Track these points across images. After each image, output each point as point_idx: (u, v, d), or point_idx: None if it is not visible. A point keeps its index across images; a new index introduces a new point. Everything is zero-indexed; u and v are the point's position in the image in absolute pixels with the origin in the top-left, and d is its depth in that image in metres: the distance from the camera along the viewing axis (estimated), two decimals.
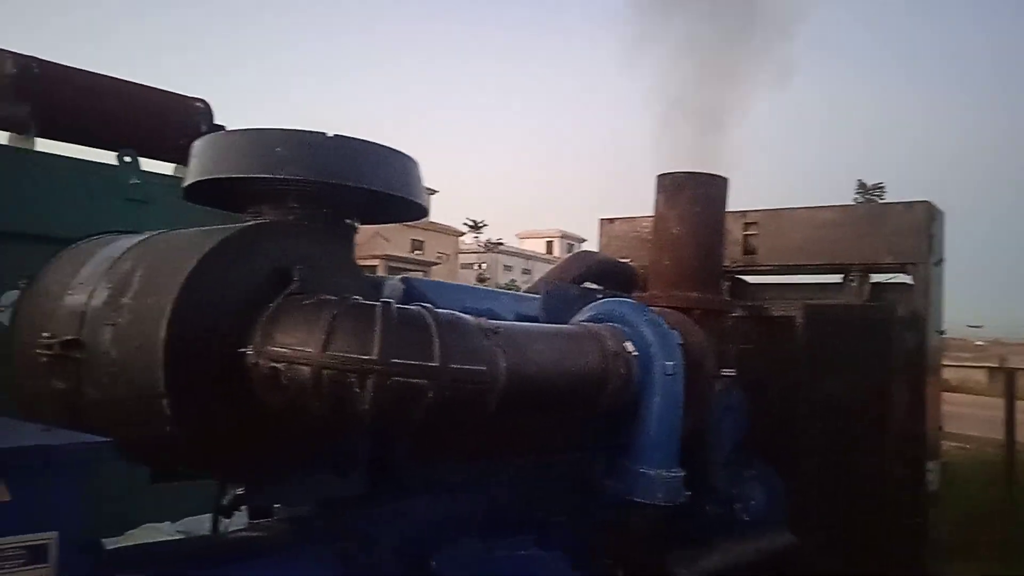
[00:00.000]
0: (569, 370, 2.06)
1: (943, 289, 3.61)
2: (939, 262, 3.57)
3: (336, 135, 1.85)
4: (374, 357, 1.60)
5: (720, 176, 2.85)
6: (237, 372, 1.67)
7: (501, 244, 54.80)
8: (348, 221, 2.05)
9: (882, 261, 3.54)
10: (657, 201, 2.86)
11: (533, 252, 65.39)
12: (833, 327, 3.21)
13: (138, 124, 4.93)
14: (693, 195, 2.77)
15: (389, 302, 1.70)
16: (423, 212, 2.09)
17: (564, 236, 66.21)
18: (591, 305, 2.43)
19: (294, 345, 1.62)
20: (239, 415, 1.69)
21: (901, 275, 3.59)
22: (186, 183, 1.95)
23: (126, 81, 5.08)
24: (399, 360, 1.61)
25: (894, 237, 3.49)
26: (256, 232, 1.78)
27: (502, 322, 1.97)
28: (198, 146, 1.92)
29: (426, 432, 2.10)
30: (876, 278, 3.69)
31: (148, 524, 3.59)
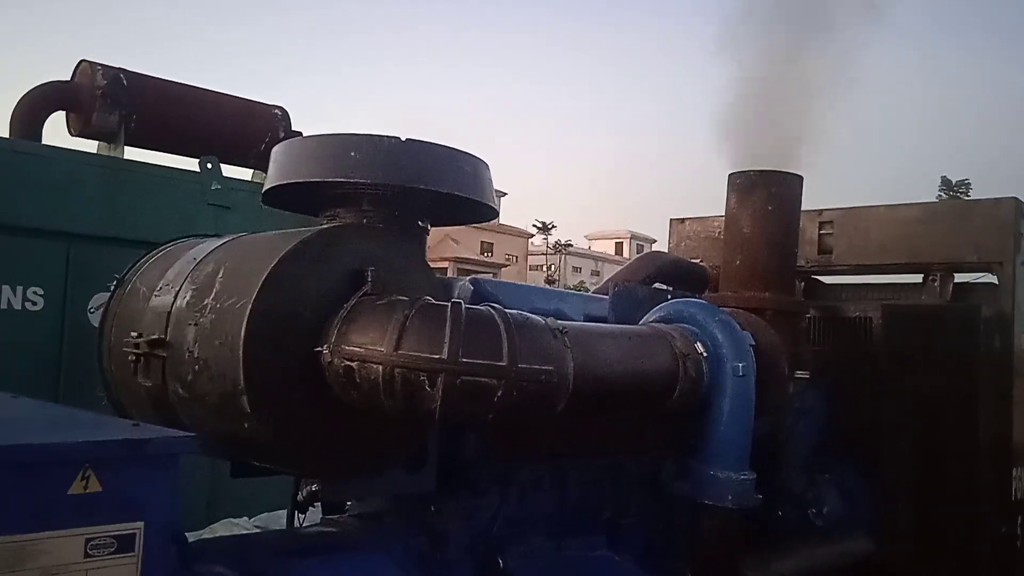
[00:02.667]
0: (637, 370, 2.05)
1: None
2: None
3: (408, 139, 1.89)
4: (444, 356, 1.62)
5: (794, 174, 2.79)
6: (313, 370, 1.72)
7: (570, 245, 54.79)
8: (420, 223, 2.08)
9: (966, 260, 3.41)
10: (729, 200, 2.82)
11: (602, 253, 65.13)
12: (914, 327, 3.11)
13: (219, 132, 5.12)
14: (766, 194, 2.72)
15: (459, 303, 1.72)
16: (493, 214, 2.11)
17: (634, 237, 65.73)
18: (660, 305, 2.41)
19: (367, 344, 1.66)
20: (315, 412, 1.74)
21: (986, 274, 3.45)
22: (265, 188, 2.02)
23: (207, 90, 5.28)
24: (468, 359, 1.64)
25: (979, 235, 3.36)
26: (331, 235, 1.83)
27: (570, 322, 1.98)
28: (276, 152, 1.99)
29: (497, 430, 2.13)
30: (960, 278, 3.56)
31: (227, 519, 3.73)
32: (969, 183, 40.40)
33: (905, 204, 3.62)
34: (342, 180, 1.83)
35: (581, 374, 1.84)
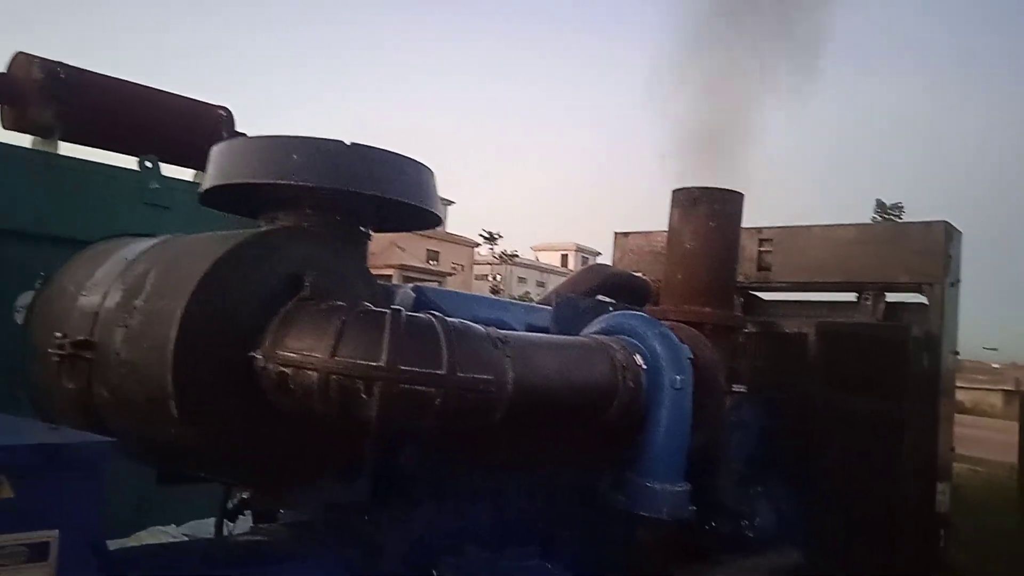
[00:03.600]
0: (577, 381, 2.05)
1: (958, 310, 3.58)
2: (955, 283, 3.54)
3: (352, 143, 1.86)
4: (382, 364, 1.60)
5: (735, 192, 2.84)
6: (247, 376, 1.68)
7: (516, 256, 54.91)
8: (362, 228, 2.06)
9: (898, 280, 3.52)
10: (672, 215, 2.86)
11: (548, 265, 65.44)
12: (847, 345, 3.19)
13: (160, 130, 4.98)
14: (708, 210, 2.77)
15: (399, 309, 1.70)
16: (437, 221, 2.10)
17: (579, 250, 66.22)
18: (602, 317, 2.42)
19: (303, 350, 1.63)
20: (247, 419, 1.70)
21: (917, 295, 3.56)
22: (203, 188, 1.97)
23: (149, 87, 5.14)
24: (407, 367, 1.62)
25: (911, 257, 3.47)
26: (269, 238, 1.80)
27: (511, 332, 1.97)
28: (215, 152, 1.94)
29: (433, 440, 2.11)
30: (892, 298, 3.67)
31: (155, 527, 3.62)
32: (902, 206, 41.84)
33: (841, 225, 3.72)
34: (282, 183, 1.79)
35: (521, 384, 1.83)
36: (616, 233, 4.39)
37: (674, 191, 2.86)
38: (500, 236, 60.50)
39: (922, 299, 3.51)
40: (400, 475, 2.12)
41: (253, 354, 1.67)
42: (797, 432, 3.19)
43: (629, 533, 2.28)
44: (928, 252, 3.42)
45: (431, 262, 53.30)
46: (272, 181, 1.80)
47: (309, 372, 1.62)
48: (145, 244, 1.90)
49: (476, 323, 2.15)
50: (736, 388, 3.02)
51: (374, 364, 1.60)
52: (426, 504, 2.19)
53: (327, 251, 1.86)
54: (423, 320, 1.70)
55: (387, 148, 1.90)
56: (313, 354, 1.62)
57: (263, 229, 1.88)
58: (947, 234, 3.46)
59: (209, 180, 1.92)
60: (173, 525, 3.62)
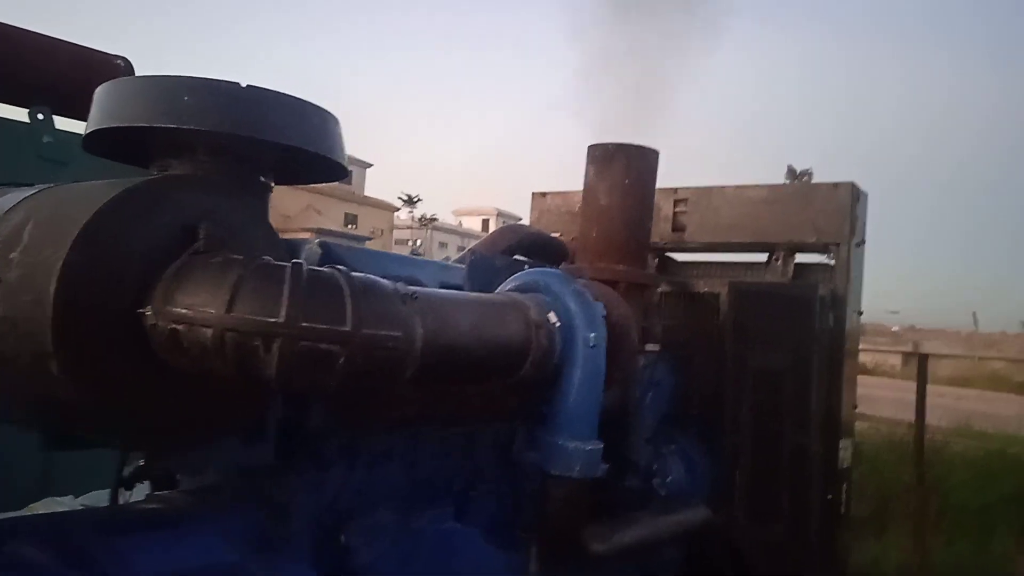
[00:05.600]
0: (490, 339, 2.01)
1: (863, 271, 3.67)
2: (860, 244, 3.63)
3: (249, 85, 1.75)
4: (281, 320, 1.52)
5: (651, 148, 2.82)
6: (137, 333, 1.58)
7: (435, 220, 54.61)
8: (263, 178, 1.95)
9: (806, 241, 3.59)
10: (587, 172, 2.83)
11: (469, 230, 65.26)
12: (757, 304, 3.24)
13: (52, 80, 4.67)
14: (623, 166, 2.75)
15: (300, 263, 1.62)
16: (343, 172, 2.00)
17: (500, 214, 66.22)
18: (516, 275, 2.38)
19: (196, 306, 1.54)
20: (137, 378, 1.59)
21: (824, 255, 3.64)
22: (86, 131, 1.83)
23: (39, 34, 4.81)
24: (308, 324, 1.54)
25: (818, 217, 3.53)
26: (159, 186, 1.68)
27: (421, 288, 1.91)
28: (99, 92, 1.80)
29: (343, 399, 2.04)
30: (801, 258, 3.74)
31: (50, 498, 3.45)
32: (811, 172, 43.29)
33: (753, 185, 3.76)
34: (172, 126, 1.67)
35: (431, 341, 1.78)
36: (533, 193, 4.35)
37: (589, 147, 2.82)
38: (419, 199, 59.97)
39: (829, 260, 3.59)
40: (308, 436, 2.05)
41: (143, 310, 1.57)
42: (709, 389, 3.23)
43: (542, 492, 2.26)
44: (834, 213, 3.49)
45: (350, 226, 52.51)
46: (160, 124, 1.68)
47: (203, 329, 1.53)
48: (22, 194, 1.75)
49: (387, 278, 2.09)
50: (650, 347, 3.04)
51: (272, 320, 1.52)
52: (336, 466, 2.13)
53: (224, 201, 1.75)
54: (326, 274, 1.63)
55: (288, 92, 1.80)
56: (207, 310, 1.53)
57: (152, 177, 1.76)
58: (853, 195, 3.53)
59: (92, 123, 1.78)
60: (71, 496, 3.47)
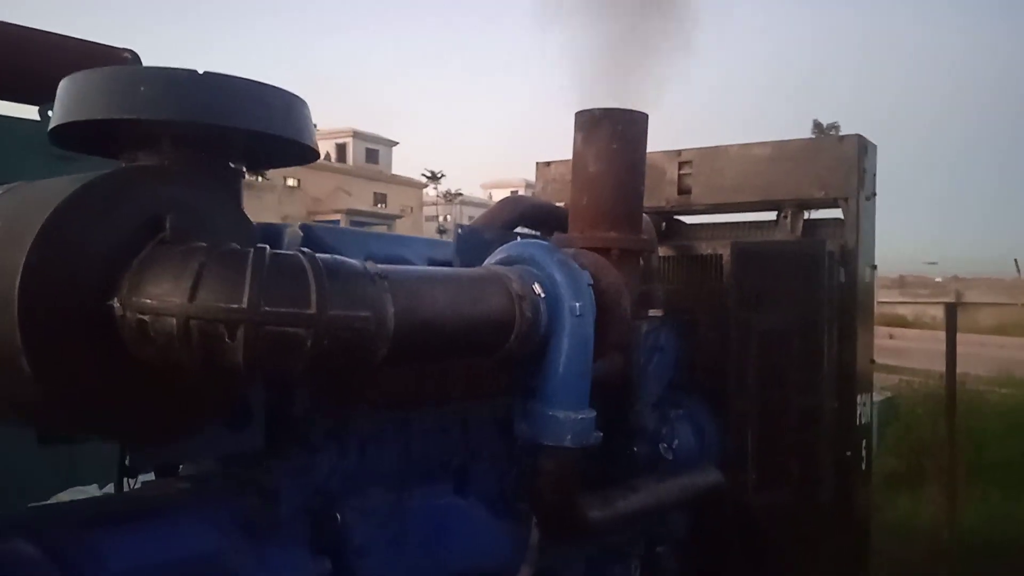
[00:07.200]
0: (470, 314, 1.99)
1: (875, 224, 3.58)
2: (871, 197, 3.53)
3: (207, 72, 1.74)
4: (244, 306, 1.51)
5: (639, 112, 2.76)
6: (106, 326, 1.58)
7: (460, 195, 54.46)
8: (232, 165, 1.94)
9: (814, 196, 3.50)
10: (575, 139, 2.77)
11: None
12: (760, 263, 3.17)
13: (62, 77, 4.72)
14: (611, 132, 2.68)
15: (263, 248, 1.61)
16: (314, 155, 1.98)
17: (529, 185, 65.85)
18: (502, 248, 2.35)
19: (161, 295, 1.54)
20: (109, 371, 1.60)
21: (834, 210, 3.56)
22: (50, 127, 1.83)
23: (47, 32, 4.84)
24: (271, 308, 1.53)
25: (825, 172, 3.45)
26: (121, 178, 1.67)
27: (395, 266, 1.89)
28: (61, 87, 1.80)
29: (328, 383, 2.05)
30: (815, 215, 3.66)
31: (76, 487, 3.52)
32: (838, 125, 42.46)
33: (758, 143, 3.67)
34: (130, 117, 1.67)
35: (404, 319, 1.76)
36: (538, 163, 4.30)
37: (576, 113, 2.77)
38: (443, 175, 59.94)
39: (839, 214, 3.50)
40: (296, 420, 2.05)
41: (110, 302, 1.57)
42: (715, 353, 3.19)
43: (536, 463, 2.25)
44: (842, 167, 3.40)
45: (379, 205, 52.66)
46: (117, 116, 1.67)
47: (168, 318, 1.53)
48: None
49: (374, 260, 2.07)
50: (652, 312, 3.00)
51: (236, 307, 1.51)
52: (327, 449, 2.13)
53: (191, 191, 1.74)
54: (289, 258, 1.61)
55: (248, 77, 1.78)
56: (171, 299, 1.53)
57: (113, 170, 1.75)
58: (861, 148, 3.43)
59: (54, 119, 1.78)
60: (96, 485, 3.54)
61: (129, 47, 5.30)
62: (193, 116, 1.71)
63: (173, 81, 1.70)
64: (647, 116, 2.78)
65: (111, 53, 5.14)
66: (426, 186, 59.16)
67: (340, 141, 53.49)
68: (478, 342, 2.05)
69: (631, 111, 2.72)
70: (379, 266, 1.77)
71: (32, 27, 4.70)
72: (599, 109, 2.70)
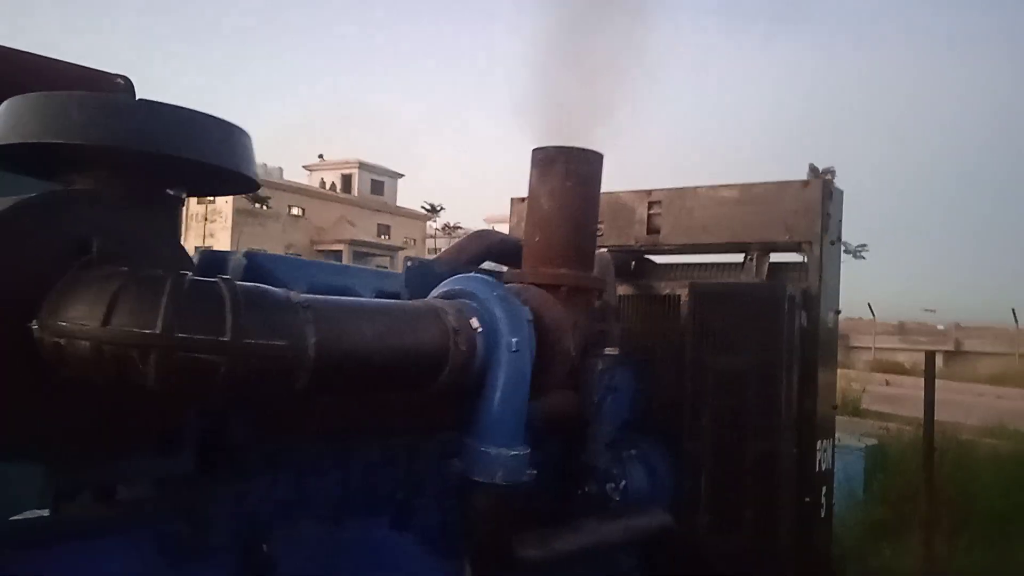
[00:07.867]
0: (399, 346, 1.99)
1: (839, 269, 3.59)
2: (835, 241, 3.55)
3: (142, 100, 1.77)
4: (157, 331, 1.53)
5: (594, 151, 2.78)
6: (28, 349, 1.60)
7: (459, 228, 54.76)
8: (171, 192, 1.96)
9: (778, 239, 3.52)
10: (531, 176, 2.80)
11: None
12: (718, 305, 3.17)
13: None
14: (565, 170, 2.71)
15: (184, 274, 1.62)
16: (253, 185, 2.00)
17: None
18: (446, 281, 2.37)
19: (76, 319, 1.55)
20: (31, 394, 1.61)
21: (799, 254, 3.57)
22: None
23: (38, 55, 4.92)
24: (185, 335, 1.55)
25: (789, 216, 3.46)
26: (47, 202, 1.69)
27: (323, 296, 1.91)
28: (2, 109, 1.82)
29: (264, 409, 2.05)
30: (778, 258, 3.67)
31: (32, 510, 3.50)
32: (834, 170, 42.60)
33: (725, 185, 3.69)
34: (58, 141, 1.69)
35: (327, 350, 1.77)
36: (512, 199, 4.33)
37: (533, 150, 2.79)
38: (442, 208, 60.46)
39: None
40: (229, 447, 2.05)
41: (31, 324, 1.59)
42: (671, 393, 3.18)
43: (469, 500, 2.24)
44: (805, 211, 3.42)
45: (383, 236, 52.91)
46: (48, 140, 1.70)
47: (82, 342, 1.54)
48: None
49: (319, 291, 2.09)
50: (608, 351, 3.00)
51: (148, 332, 1.53)
52: (262, 476, 2.13)
53: (123, 216, 1.77)
54: (207, 285, 1.63)
55: (184, 105, 1.81)
56: (85, 323, 1.54)
57: (43, 192, 1.78)
58: (826, 192, 3.45)
59: None
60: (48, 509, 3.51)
61: (123, 73, 5.41)
62: (125, 143, 1.73)
63: (106, 107, 1.74)
64: (601, 156, 2.81)
65: (103, 78, 5.23)
66: (430, 218, 59.53)
67: (346, 172, 53.96)
68: (408, 374, 2.05)
69: (586, 150, 2.75)
70: (304, 296, 1.79)
71: (24, 50, 4.78)
72: (554, 147, 2.73)
